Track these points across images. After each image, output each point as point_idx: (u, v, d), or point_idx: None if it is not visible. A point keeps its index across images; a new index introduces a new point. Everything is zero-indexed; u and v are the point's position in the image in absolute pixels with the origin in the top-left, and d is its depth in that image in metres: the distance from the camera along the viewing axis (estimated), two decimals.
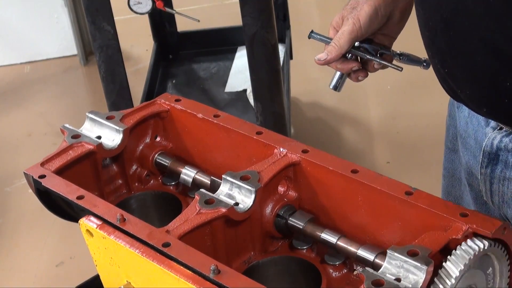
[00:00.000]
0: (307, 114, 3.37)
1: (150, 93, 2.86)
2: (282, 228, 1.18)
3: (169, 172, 1.33)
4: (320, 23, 3.96)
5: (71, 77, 3.87)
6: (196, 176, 1.28)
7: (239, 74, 2.96)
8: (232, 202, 1.12)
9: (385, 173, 1.12)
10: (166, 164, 1.32)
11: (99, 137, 1.28)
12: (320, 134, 3.22)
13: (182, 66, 3.09)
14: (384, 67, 1.30)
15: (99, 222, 1.10)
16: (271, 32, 2.31)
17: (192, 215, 1.09)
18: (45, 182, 1.19)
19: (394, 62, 1.30)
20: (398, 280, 0.94)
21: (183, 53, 3.16)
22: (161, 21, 3.12)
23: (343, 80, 1.33)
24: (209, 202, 1.11)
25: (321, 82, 3.41)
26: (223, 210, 1.10)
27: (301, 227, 1.16)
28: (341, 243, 1.12)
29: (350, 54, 1.28)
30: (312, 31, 1.33)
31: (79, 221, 1.12)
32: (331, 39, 1.28)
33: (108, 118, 1.29)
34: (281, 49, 2.94)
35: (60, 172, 1.22)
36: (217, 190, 1.14)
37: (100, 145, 1.26)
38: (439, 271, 0.96)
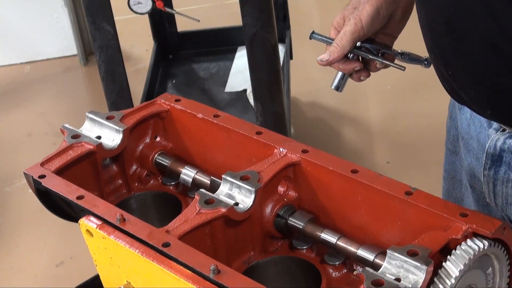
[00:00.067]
0: (307, 114, 3.37)
1: (150, 93, 2.86)
2: (282, 228, 1.18)
3: (169, 172, 1.33)
4: (320, 23, 3.96)
5: (71, 77, 3.87)
6: (196, 176, 1.28)
7: (239, 74, 2.96)
8: (232, 202, 1.12)
9: (385, 173, 1.12)
10: (166, 164, 1.32)
11: (99, 137, 1.28)
12: (320, 134, 3.22)
13: (182, 66, 3.09)
14: (386, 66, 1.30)
15: (99, 222, 1.10)
16: (271, 32, 2.31)
17: (192, 215, 1.09)
18: (45, 182, 1.19)
19: (396, 61, 1.30)
20: (398, 280, 0.94)
21: (183, 53, 3.16)
22: (161, 21, 3.12)
23: (344, 80, 1.33)
24: (209, 202, 1.11)
25: (321, 82, 3.41)
26: (223, 210, 1.10)
27: (301, 227, 1.16)
28: (341, 243, 1.12)
29: (352, 54, 1.28)
30: (313, 32, 1.33)
31: (79, 221, 1.12)
32: (332, 39, 1.27)
33: (108, 118, 1.29)
34: (281, 49, 2.94)
35: (60, 172, 1.22)
36: (217, 190, 1.14)
37: (100, 145, 1.26)
38: (439, 271, 0.96)
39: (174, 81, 3.00)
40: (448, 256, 0.97)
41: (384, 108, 3.36)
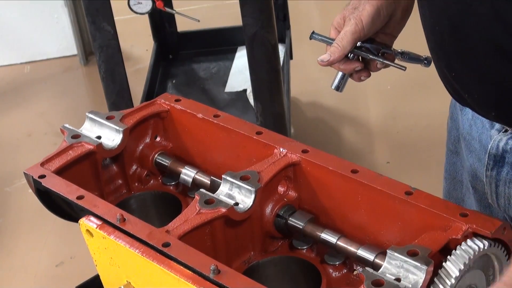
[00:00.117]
0: (307, 114, 3.37)
1: (150, 93, 2.85)
2: (282, 228, 1.18)
3: (169, 172, 1.33)
4: (320, 23, 3.96)
5: (71, 77, 3.87)
6: (196, 176, 1.28)
7: (239, 74, 2.96)
8: (232, 202, 1.12)
9: (385, 173, 1.12)
10: (166, 164, 1.32)
11: (99, 137, 1.28)
12: (320, 134, 3.22)
13: (182, 66, 3.09)
14: (386, 66, 1.29)
15: (99, 222, 1.10)
16: (271, 32, 2.31)
17: (192, 215, 1.10)
18: (45, 182, 1.19)
19: (396, 61, 1.30)
20: (398, 280, 0.94)
21: (183, 53, 3.15)
22: (161, 21, 3.12)
23: (345, 81, 1.33)
24: (209, 202, 1.11)
25: (321, 82, 3.41)
26: (223, 210, 1.10)
27: (301, 227, 1.16)
28: (341, 243, 1.12)
29: (352, 54, 1.28)
30: (313, 32, 1.33)
31: (79, 221, 1.12)
32: (333, 39, 1.27)
33: (108, 118, 1.29)
34: (281, 49, 2.94)
35: (60, 172, 1.22)
36: (217, 190, 1.14)
37: (100, 145, 1.26)
38: (439, 271, 0.96)
39: (174, 81, 3.00)
40: (448, 256, 0.97)
41: (384, 108, 3.36)
